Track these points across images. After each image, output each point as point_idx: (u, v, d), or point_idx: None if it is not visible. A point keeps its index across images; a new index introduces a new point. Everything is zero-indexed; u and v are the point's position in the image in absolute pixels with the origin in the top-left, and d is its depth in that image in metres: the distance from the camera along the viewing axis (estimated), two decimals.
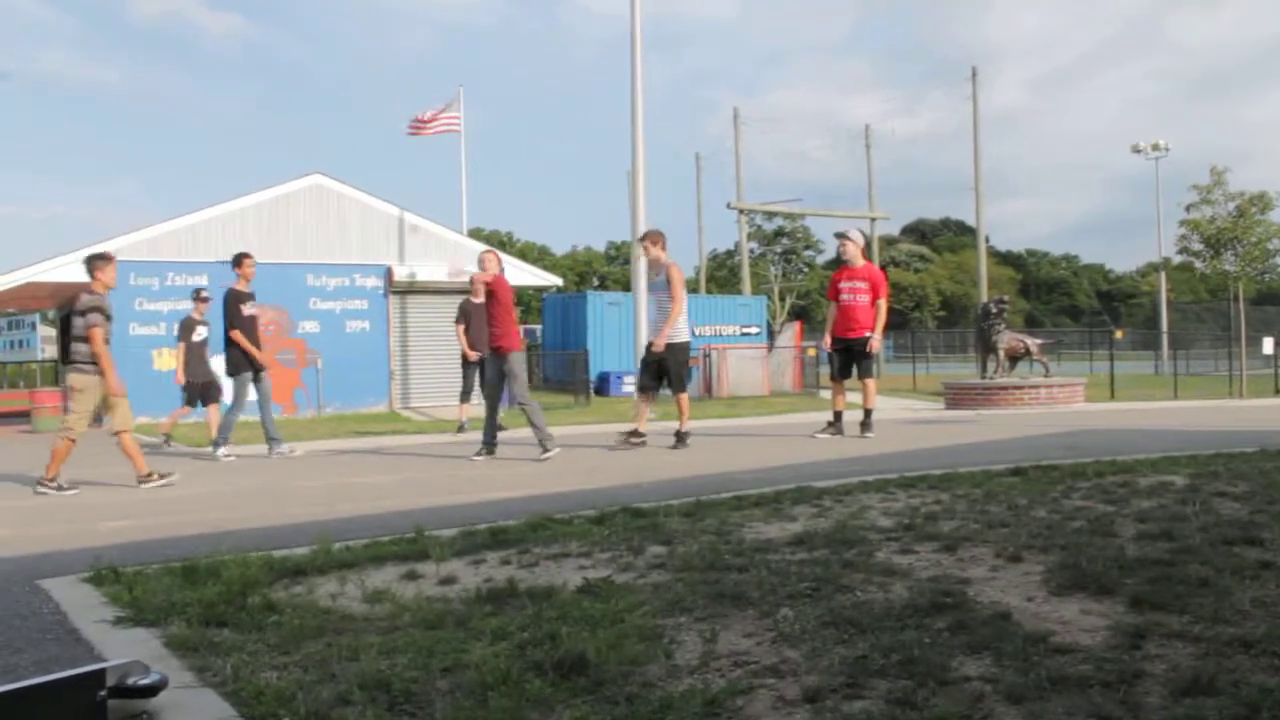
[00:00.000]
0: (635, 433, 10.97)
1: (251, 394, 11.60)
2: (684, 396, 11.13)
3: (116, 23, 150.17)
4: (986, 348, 19.60)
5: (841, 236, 12.18)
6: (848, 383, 12.08)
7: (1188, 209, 23.80)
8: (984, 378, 19.44)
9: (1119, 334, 36.89)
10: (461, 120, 28.52)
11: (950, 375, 29.55)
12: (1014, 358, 19.87)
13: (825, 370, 28.94)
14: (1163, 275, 47.01)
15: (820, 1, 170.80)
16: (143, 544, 5.72)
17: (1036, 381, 19.35)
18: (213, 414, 13.46)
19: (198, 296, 13.97)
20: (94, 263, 9.32)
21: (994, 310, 19.52)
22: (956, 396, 19.39)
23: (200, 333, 13.70)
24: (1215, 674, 2.72)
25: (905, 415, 17.64)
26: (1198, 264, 24.71)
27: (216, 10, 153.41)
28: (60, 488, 8.48)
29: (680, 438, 10.85)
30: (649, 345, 11.37)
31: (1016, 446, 10.06)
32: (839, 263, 12.33)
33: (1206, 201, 23.33)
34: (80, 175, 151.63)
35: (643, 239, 11.77)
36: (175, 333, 13.60)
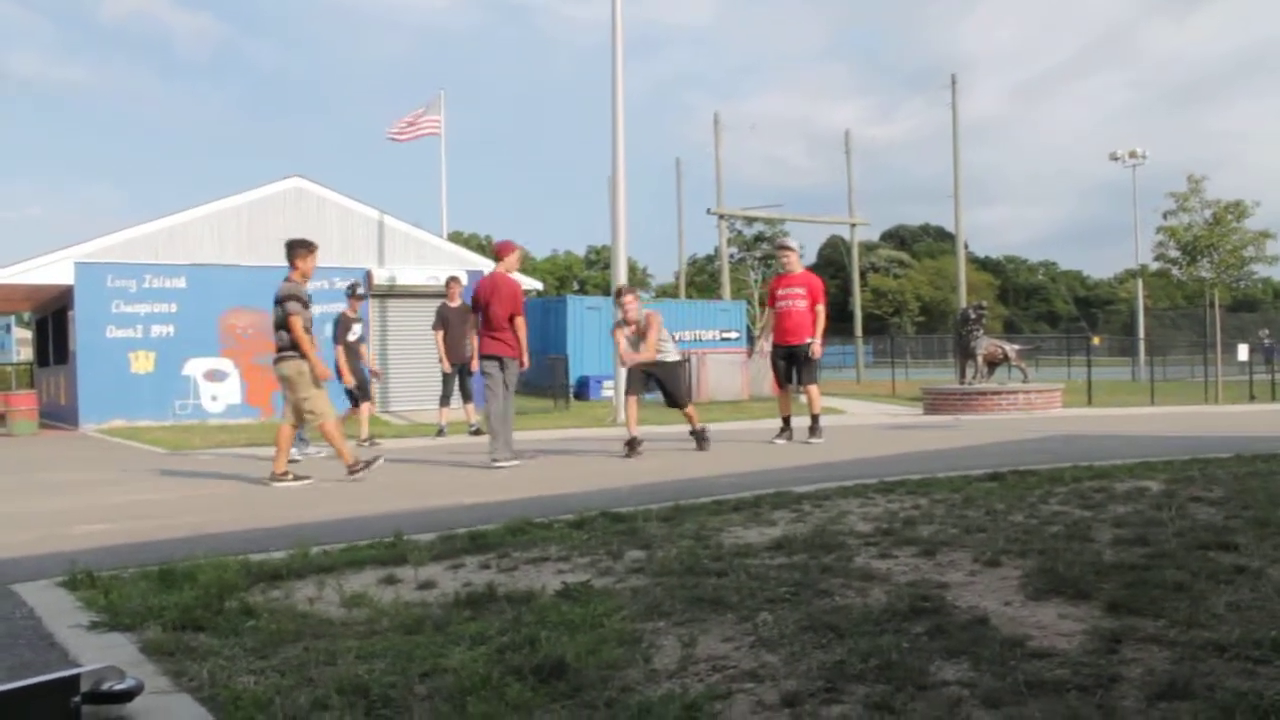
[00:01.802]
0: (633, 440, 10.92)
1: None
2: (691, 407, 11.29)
3: (87, 22, 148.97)
4: (965, 353, 19.71)
5: (781, 246, 12.54)
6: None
7: (1165, 216, 23.99)
8: (963, 383, 19.54)
9: (1096, 340, 37.13)
10: (442, 124, 28.46)
11: (929, 380, 29.67)
12: (992, 363, 19.99)
13: None
14: (1140, 282, 47.22)
15: (798, 9, 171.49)
16: (119, 548, 5.68)
17: (1015, 387, 19.46)
18: (363, 411, 13.42)
19: (352, 293, 13.62)
20: (294, 250, 9.23)
21: (973, 316, 19.63)
22: (935, 402, 19.47)
23: (355, 331, 13.41)
24: (1190, 678, 2.74)
25: (884, 420, 17.69)
26: (1174, 271, 24.89)
27: (185, 10, 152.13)
28: (362, 466, 8.93)
29: (699, 437, 11.07)
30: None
31: (994, 452, 10.11)
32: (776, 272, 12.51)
33: (1183, 209, 23.51)
34: (54, 178, 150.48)
35: (618, 294, 11.82)
36: (330, 334, 13.17)
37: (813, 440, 11.67)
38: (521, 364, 10.11)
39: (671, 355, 11.14)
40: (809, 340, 11.70)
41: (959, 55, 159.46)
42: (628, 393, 11.36)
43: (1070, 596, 3.74)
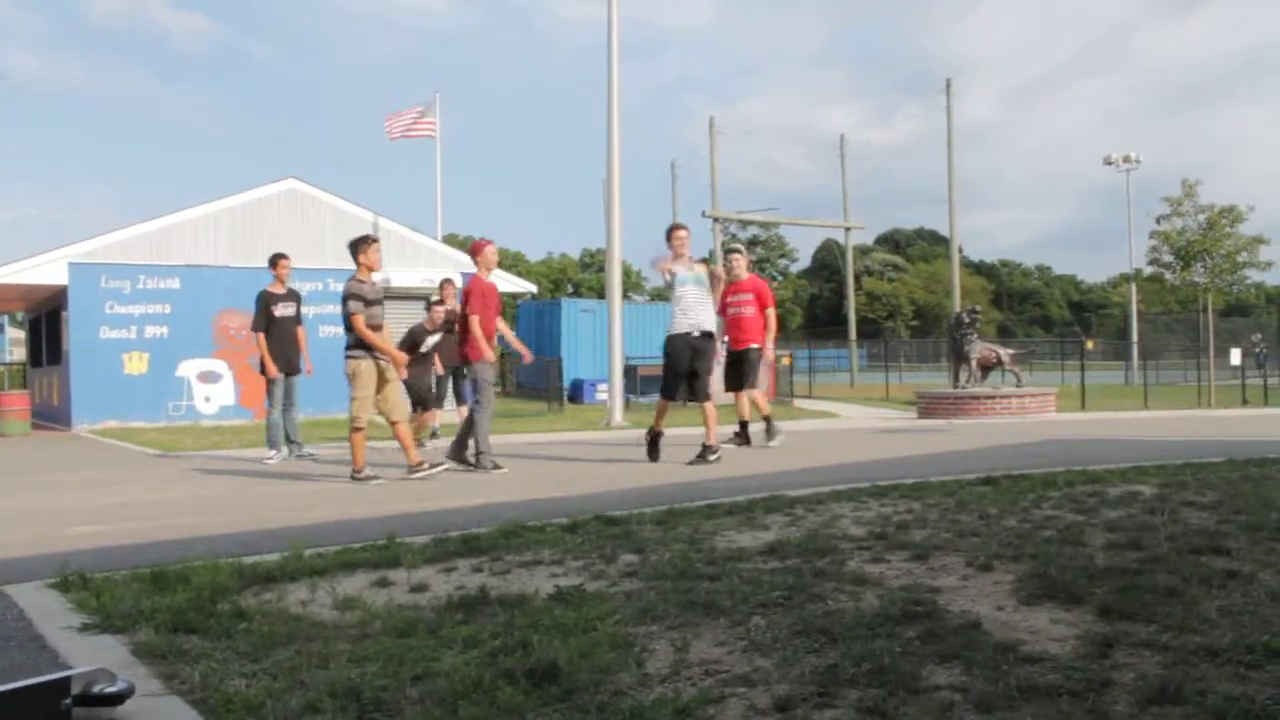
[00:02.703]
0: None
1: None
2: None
3: (80, 22, 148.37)
4: (959, 357, 19.74)
5: (729, 252, 12.75)
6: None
7: (1159, 221, 24.02)
8: (956, 387, 19.56)
9: (1090, 344, 37.15)
10: (438, 126, 28.46)
11: (923, 384, 29.69)
12: (986, 367, 20.01)
13: (800, 380, 29.03)
14: (1134, 286, 47.42)
15: (795, 13, 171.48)
16: (111, 549, 5.67)
17: (1008, 391, 19.49)
18: (431, 417, 13.68)
19: (431, 304, 13.66)
20: (357, 246, 9.29)
21: (966, 320, 19.66)
22: (929, 406, 19.49)
23: (428, 343, 13.38)
24: (1182, 682, 2.74)
25: (878, 424, 17.71)
26: (1168, 276, 24.91)
27: (179, 9, 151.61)
28: (365, 478, 8.91)
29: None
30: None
31: (988, 456, 10.12)
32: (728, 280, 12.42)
33: (1177, 214, 23.54)
34: (48, 177, 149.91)
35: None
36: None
37: (771, 443, 11.67)
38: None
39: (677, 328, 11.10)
40: (755, 346, 11.75)
41: (954, 59, 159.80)
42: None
43: (1063, 601, 3.74)
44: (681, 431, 12.32)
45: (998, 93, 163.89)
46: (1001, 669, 2.94)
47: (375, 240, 9.34)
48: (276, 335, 11.48)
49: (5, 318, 33.67)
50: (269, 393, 11.59)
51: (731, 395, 12.07)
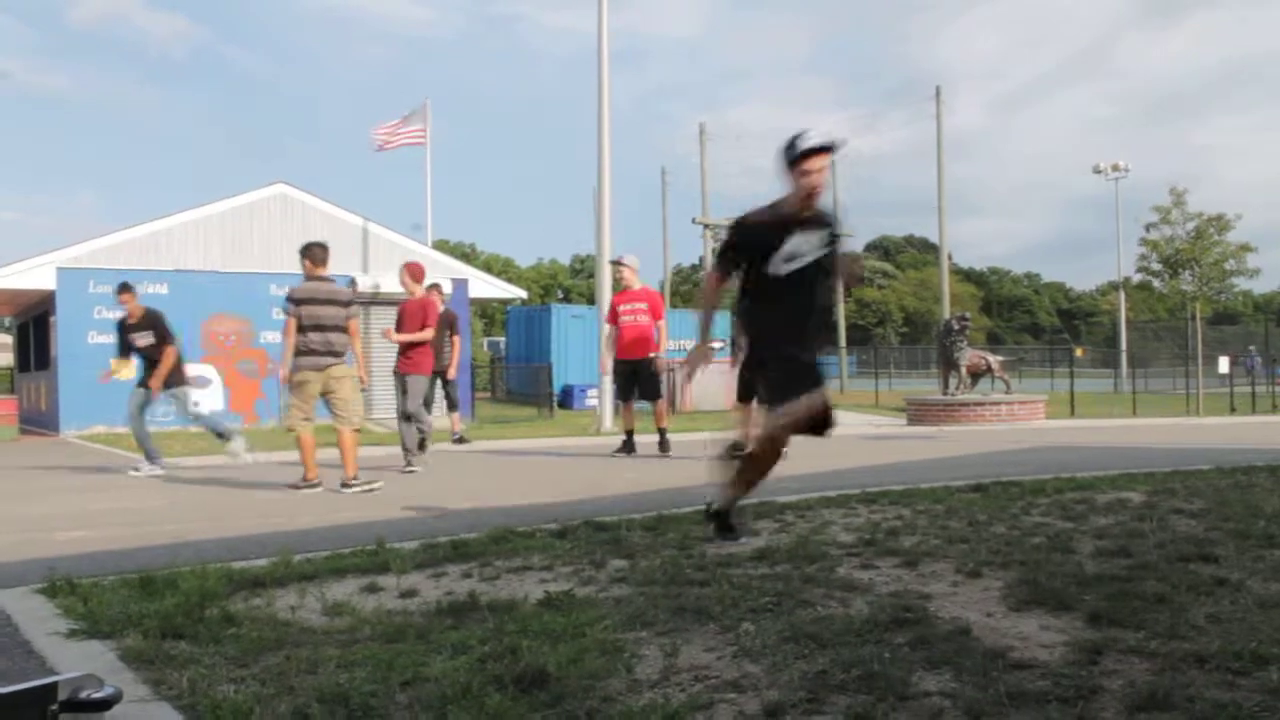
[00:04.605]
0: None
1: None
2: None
3: (61, 26, 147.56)
4: (948, 364, 19.76)
5: (616, 264, 12.58)
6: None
7: (1147, 229, 24.10)
8: (946, 394, 19.59)
9: (1079, 352, 37.29)
10: (428, 133, 28.43)
11: (912, 391, 29.74)
12: (975, 374, 20.04)
13: None
14: (1122, 294, 47.60)
15: (781, 22, 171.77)
16: (99, 554, 5.65)
17: (998, 398, 19.53)
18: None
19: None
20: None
21: (956, 327, 19.69)
22: (918, 413, 19.52)
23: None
24: (1171, 689, 2.75)
25: (868, 431, 17.73)
26: (1156, 284, 25.02)
27: (163, 12, 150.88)
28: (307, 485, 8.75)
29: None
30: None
31: (977, 463, 10.14)
32: (618, 289, 12.46)
33: (1166, 222, 23.62)
34: (31, 183, 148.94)
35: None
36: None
37: (667, 454, 11.57)
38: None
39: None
40: (653, 355, 11.68)
41: (940, 68, 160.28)
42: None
43: (1052, 608, 3.75)
44: (683, 437, 12.31)
45: (985, 101, 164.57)
46: (991, 675, 2.94)
47: (316, 246, 9.31)
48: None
49: None
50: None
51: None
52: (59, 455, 14.40)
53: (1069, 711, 2.65)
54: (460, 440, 14.31)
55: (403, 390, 10.57)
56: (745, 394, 6.96)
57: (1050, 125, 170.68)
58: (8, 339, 32.94)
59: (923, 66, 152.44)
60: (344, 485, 8.61)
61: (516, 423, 19.74)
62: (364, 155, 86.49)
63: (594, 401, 20.73)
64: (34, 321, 22.70)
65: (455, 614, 3.80)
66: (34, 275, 18.90)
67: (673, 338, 28.02)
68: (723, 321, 30.81)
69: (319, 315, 8.87)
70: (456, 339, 10.55)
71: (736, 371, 6.61)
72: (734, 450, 5.64)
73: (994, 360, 20.94)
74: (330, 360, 8.83)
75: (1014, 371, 25.53)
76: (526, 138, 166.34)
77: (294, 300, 8.93)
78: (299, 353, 8.81)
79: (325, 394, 8.90)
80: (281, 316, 9.34)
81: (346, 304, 9.09)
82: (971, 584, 4.23)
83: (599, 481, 9.19)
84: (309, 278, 9.12)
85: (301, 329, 8.82)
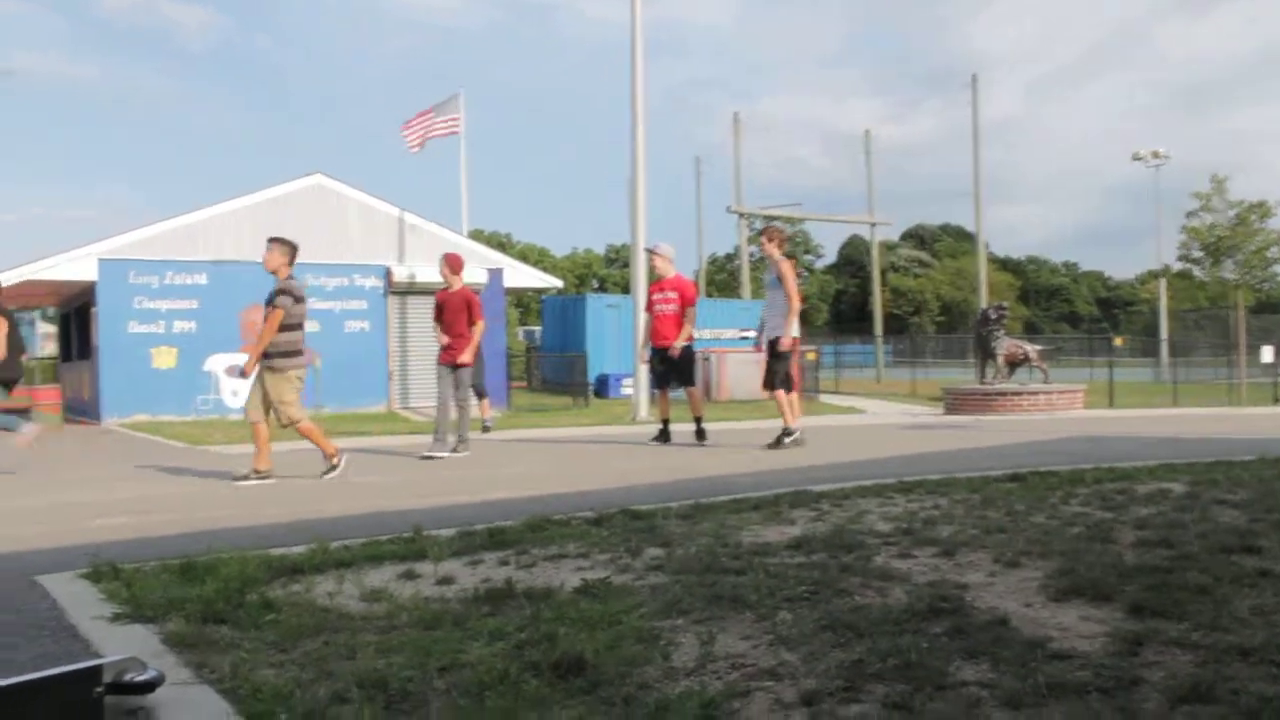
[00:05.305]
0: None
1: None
2: (782, 393, 11.17)
3: (95, 18, 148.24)
4: (985, 354, 19.64)
5: (651, 252, 12.61)
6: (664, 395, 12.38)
7: (1188, 216, 23.85)
8: (983, 383, 19.47)
9: (1119, 341, 36.93)
10: (462, 123, 28.50)
11: (949, 380, 29.56)
12: (1013, 364, 19.91)
13: (825, 375, 28.96)
14: (1163, 283, 47.04)
15: (814, 11, 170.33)
16: (140, 541, 5.72)
17: (1036, 388, 19.38)
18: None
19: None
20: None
21: (993, 316, 19.56)
22: (956, 402, 19.41)
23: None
24: (1214, 682, 2.72)
25: (904, 420, 17.65)
26: (1197, 272, 24.77)
27: (196, 5, 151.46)
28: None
29: (780, 439, 11.04)
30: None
31: (1015, 452, 10.07)
32: (655, 278, 12.41)
33: (1207, 209, 23.36)
34: (66, 176, 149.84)
35: (760, 234, 12.54)
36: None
37: (700, 444, 11.59)
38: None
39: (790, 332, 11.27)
40: (680, 343, 11.70)
41: (976, 54, 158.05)
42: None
43: (1092, 598, 3.71)
44: (718, 426, 12.30)
45: (1021, 86, 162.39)
46: (1030, 665, 2.92)
47: (278, 243, 9.16)
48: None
49: (38, 313, 34.00)
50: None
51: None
52: (101, 443, 14.60)
53: (1110, 703, 2.63)
54: (485, 429, 14.34)
55: (451, 381, 10.75)
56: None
57: (1088, 111, 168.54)
58: (51, 329, 33.36)
59: (957, 53, 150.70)
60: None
61: (552, 411, 19.79)
62: (395, 146, 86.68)
63: (629, 390, 20.74)
64: (76, 312, 22.99)
65: (492, 601, 3.82)
66: (76, 266, 19.14)
67: (708, 326, 28.10)
68: (757, 310, 30.85)
69: (303, 315, 9.04)
70: (477, 325, 10.59)
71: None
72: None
73: (1032, 349, 20.79)
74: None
75: (1052, 361, 25.30)
76: (561, 128, 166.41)
77: (299, 298, 9.00)
78: (293, 353, 8.87)
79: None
80: (320, 307, 9.38)
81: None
82: (1009, 574, 4.20)
83: (634, 470, 9.20)
84: (292, 276, 9.10)
85: (296, 326, 8.92)
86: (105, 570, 4.44)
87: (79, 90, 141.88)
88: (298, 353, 8.92)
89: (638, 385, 17.99)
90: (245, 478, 8.65)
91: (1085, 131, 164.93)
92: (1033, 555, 4.52)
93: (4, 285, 12.39)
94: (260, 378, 8.84)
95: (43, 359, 33.63)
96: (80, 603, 4.08)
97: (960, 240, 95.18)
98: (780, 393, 11.05)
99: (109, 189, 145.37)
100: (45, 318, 35.59)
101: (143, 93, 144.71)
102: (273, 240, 9.13)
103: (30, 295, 23.37)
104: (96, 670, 2.81)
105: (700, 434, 11.71)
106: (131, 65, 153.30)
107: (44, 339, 37.48)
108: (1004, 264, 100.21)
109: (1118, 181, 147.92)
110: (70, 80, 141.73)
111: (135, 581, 4.23)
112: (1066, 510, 5.88)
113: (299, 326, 8.96)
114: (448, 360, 10.90)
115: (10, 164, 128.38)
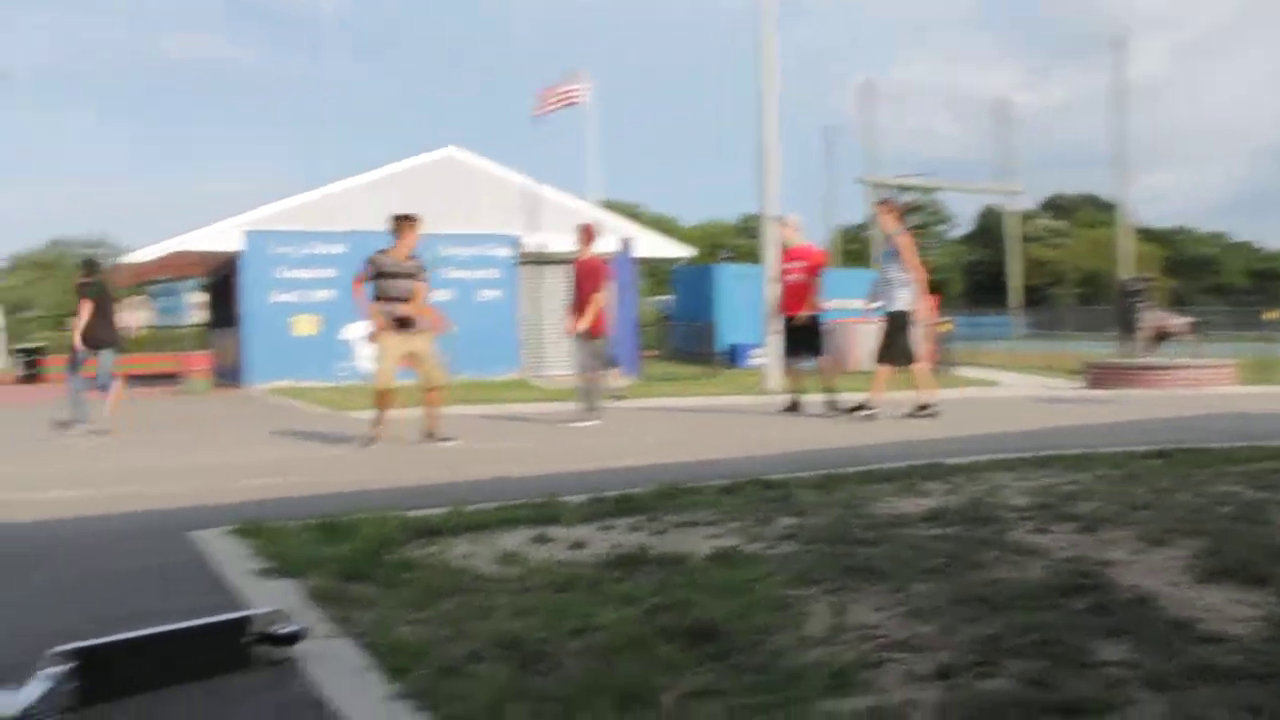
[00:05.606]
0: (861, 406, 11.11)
1: None
2: (884, 368, 11.19)
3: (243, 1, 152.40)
4: (1127, 326, 18.98)
5: (778, 221, 12.66)
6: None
7: None
8: (1124, 357, 18.84)
9: (1271, 315, 35.28)
10: (587, 92, 28.57)
11: (1087, 353, 28.64)
12: (1158, 337, 19.20)
13: (960, 346, 28.33)
14: None
15: None
16: (283, 500, 5.93)
17: (1182, 362, 18.64)
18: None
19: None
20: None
21: (1135, 288, 18.90)
22: (1097, 375, 18.79)
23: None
24: None
25: (1040, 393, 17.18)
26: None
27: None
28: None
29: (922, 409, 10.97)
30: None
31: (1159, 428, 9.71)
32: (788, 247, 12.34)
33: None
34: (209, 152, 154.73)
35: (879, 205, 12.52)
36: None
37: (831, 414, 11.34)
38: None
39: (903, 304, 11.21)
40: (808, 313, 11.67)
41: (1117, 13, 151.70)
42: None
43: (1243, 580, 3.56)
44: (850, 398, 12.16)
45: (1167, 47, 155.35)
46: (1175, 647, 2.82)
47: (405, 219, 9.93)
48: None
49: (188, 283, 35.46)
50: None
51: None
52: (246, 407, 15.17)
53: (1265, 689, 2.52)
54: (615, 398, 14.43)
55: (589, 351, 11.06)
56: None
57: (1241, 72, 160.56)
58: (203, 297, 34.71)
59: (1096, 14, 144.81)
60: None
61: (682, 380, 19.82)
62: (524, 115, 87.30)
63: (759, 360, 20.64)
64: (222, 281, 23.86)
65: (624, 566, 3.85)
66: (223, 237, 19.89)
67: (837, 296, 27.73)
68: (861, 282, 30.35)
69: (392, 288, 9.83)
70: (597, 295, 10.65)
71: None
72: None
73: (1178, 322, 20.01)
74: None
75: (1201, 334, 24.31)
76: (690, 96, 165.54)
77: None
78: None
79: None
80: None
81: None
82: (1154, 552, 4.05)
83: (763, 440, 9.15)
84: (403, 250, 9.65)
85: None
86: (251, 528, 4.62)
87: (226, 69, 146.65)
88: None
89: (768, 355, 17.89)
90: (446, 439, 9.15)
91: (1238, 94, 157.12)
92: (1179, 534, 4.35)
93: (118, 263, 13.06)
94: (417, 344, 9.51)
95: (193, 326, 35.06)
96: (228, 557, 4.26)
97: (1101, 209, 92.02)
98: (883, 367, 11.06)
99: (253, 164, 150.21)
100: (198, 286, 36.96)
101: (286, 71, 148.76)
102: (407, 218, 9.87)
103: (182, 265, 24.36)
104: (244, 621, 2.95)
105: (831, 404, 11.54)
106: (276, 47, 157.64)
107: (195, 307, 39.00)
108: (1148, 234, 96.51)
109: (1272, 147, 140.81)
110: (221, 61, 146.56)
111: (279, 539, 4.40)
112: (1215, 489, 5.63)
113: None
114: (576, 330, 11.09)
115: (152, 145, 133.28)
